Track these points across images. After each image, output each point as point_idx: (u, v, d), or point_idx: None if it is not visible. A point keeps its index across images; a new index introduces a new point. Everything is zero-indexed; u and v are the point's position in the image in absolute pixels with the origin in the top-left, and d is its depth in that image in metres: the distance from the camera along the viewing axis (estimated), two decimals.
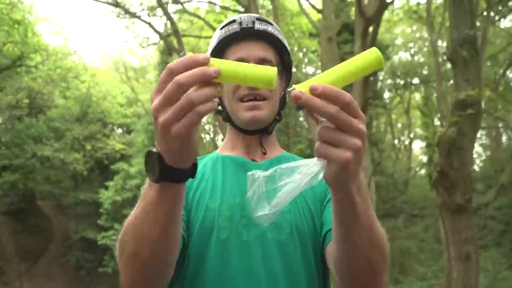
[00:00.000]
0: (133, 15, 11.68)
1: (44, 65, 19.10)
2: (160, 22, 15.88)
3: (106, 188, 18.45)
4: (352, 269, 0.90)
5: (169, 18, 11.15)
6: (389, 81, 22.56)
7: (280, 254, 1.09)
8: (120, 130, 23.88)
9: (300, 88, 0.72)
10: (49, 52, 19.36)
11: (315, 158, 0.73)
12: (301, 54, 20.21)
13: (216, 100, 0.84)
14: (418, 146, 35.31)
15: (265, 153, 1.26)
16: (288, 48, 1.28)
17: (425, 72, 20.17)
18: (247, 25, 1.21)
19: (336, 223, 0.85)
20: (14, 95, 19.10)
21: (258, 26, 1.21)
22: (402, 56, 25.02)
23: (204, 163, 1.25)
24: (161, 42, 14.08)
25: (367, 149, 10.23)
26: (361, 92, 8.60)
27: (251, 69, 0.74)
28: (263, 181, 0.74)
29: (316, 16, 13.56)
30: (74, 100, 21.61)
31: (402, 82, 20.38)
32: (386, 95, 24.31)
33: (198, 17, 13.01)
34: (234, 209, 1.12)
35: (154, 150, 0.79)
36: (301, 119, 18.11)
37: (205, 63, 0.70)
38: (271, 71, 0.74)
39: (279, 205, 0.72)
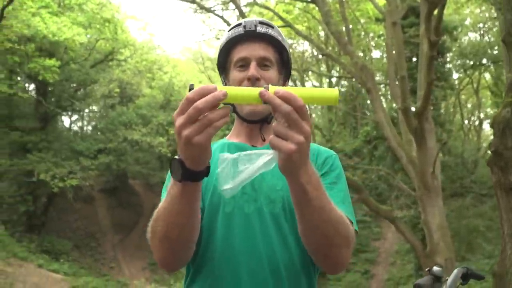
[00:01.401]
0: (207, 10, 11.95)
1: (132, 58, 20.06)
2: (233, 15, 16.02)
3: None
4: (312, 243, 1.10)
5: (239, 11, 11.32)
6: (458, 62, 21.42)
7: (274, 224, 1.22)
8: None
9: (271, 89, 0.88)
10: (136, 47, 20.27)
11: (270, 149, 0.89)
12: (368, 39, 19.64)
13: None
14: (488, 126, 33.17)
15: (264, 140, 1.36)
16: (287, 46, 1.38)
17: (495, 52, 18.88)
18: (250, 28, 1.31)
19: (294, 206, 1.03)
20: (107, 86, 20.20)
21: (260, 29, 1.31)
22: (471, 36, 23.61)
23: (214, 149, 1.33)
24: None
25: (433, 129, 9.86)
26: (425, 75, 8.32)
27: (243, 92, 0.92)
28: (230, 163, 0.91)
29: (381, 1, 13.13)
30: (159, 89, 22.43)
31: (471, 62, 19.22)
32: (455, 76, 23.13)
33: (268, 8, 13.04)
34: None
35: (177, 157, 0.96)
36: (368, 101, 17.71)
37: (214, 90, 0.87)
38: (254, 92, 0.90)
39: (239, 182, 0.90)
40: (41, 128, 18.37)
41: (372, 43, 21.80)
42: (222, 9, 12.29)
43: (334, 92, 0.92)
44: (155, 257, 1.13)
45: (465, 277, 1.78)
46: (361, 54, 21.72)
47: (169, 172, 1.19)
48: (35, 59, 14.69)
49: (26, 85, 19.74)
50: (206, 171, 0.98)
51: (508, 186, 4.10)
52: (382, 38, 18.14)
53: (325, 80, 23.69)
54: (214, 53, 30.22)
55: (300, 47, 25.16)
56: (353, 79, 15.12)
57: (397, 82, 10.26)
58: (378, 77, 23.59)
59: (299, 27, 16.57)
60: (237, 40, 1.33)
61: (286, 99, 0.87)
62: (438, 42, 7.65)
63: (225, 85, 1.38)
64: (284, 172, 0.94)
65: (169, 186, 1.03)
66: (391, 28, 10.13)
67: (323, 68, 23.71)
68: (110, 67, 20.75)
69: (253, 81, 1.28)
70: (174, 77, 22.14)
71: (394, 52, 10.56)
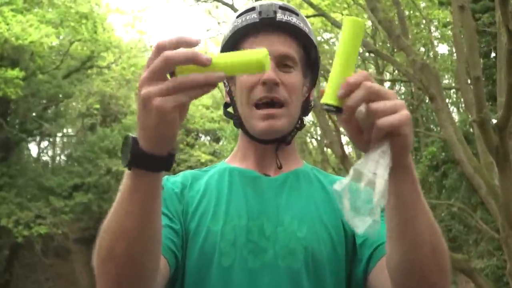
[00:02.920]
0: None
1: (117, 64, 20.45)
2: (248, 2, 16.25)
3: None
4: (418, 267, 0.96)
5: None
6: None
7: (291, 284, 1.16)
8: (206, 138, 24.67)
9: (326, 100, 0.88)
10: (122, 49, 20.72)
11: (374, 147, 0.86)
12: (430, 30, 19.63)
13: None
14: None
15: (280, 167, 1.32)
16: (316, 42, 1.34)
17: None
18: (267, 15, 1.26)
19: (397, 198, 0.93)
20: (85, 102, 20.64)
21: (281, 16, 1.26)
22: None
23: (209, 175, 1.33)
24: None
25: None
26: (506, 75, 8.31)
27: (239, 57, 0.88)
28: (347, 191, 0.84)
29: None
30: None
31: None
32: None
33: None
34: (238, 231, 1.19)
35: (131, 135, 0.89)
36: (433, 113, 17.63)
37: (196, 44, 0.83)
38: (261, 54, 0.86)
39: (378, 207, 0.83)
40: (1, 159, 18.81)
41: (437, 33, 21.77)
42: None
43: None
44: (101, 282, 0.97)
45: None
46: (422, 49, 21.73)
47: None
48: None
49: None
50: (167, 161, 0.89)
51: None
52: (449, 27, 18.13)
53: None
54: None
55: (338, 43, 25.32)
56: (411, 83, 15.11)
57: (471, 86, 10.24)
58: (446, 80, 23.51)
59: (337, 15, 16.74)
60: (248, 30, 1.29)
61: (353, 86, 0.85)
62: None
63: (229, 91, 1.36)
64: (399, 163, 0.89)
65: (124, 179, 0.92)
66: (458, 14, 10.15)
67: (372, 69, 23.77)
68: (88, 77, 21.25)
69: (270, 87, 1.22)
70: None
71: (464, 45, 10.56)
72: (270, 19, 1.26)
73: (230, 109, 1.42)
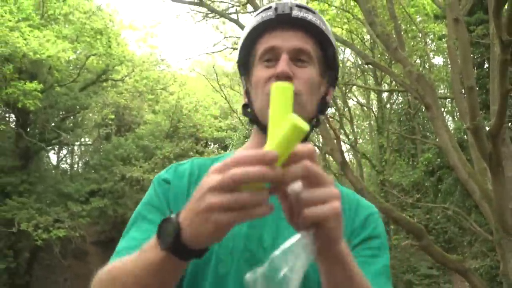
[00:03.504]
0: (220, 14, 12.17)
1: (131, 77, 20.55)
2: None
3: None
4: None
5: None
6: None
7: None
8: (214, 146, 24.69)
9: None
10: (135, 63, 20.79)
11: (299, 233, 0.80)
12: (425, 42, 19.55)
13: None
14: None
15: None
16: (333, 40, 1.30)
17: None
18: (283, 11, 1.21)
19: (329, 284, 0.94)
20: (100, 113, 20.70)
21: (297, 13, 1.21)
22: None
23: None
24: None
25: None
26: (498, 84, 8.21)
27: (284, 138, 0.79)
28: (262, 279, 0.77)
29: None
30: (164, 115, 22.80)
31: None
32: None
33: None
34: (237, 239, 1.13)
35: (173, 217, 0.83)
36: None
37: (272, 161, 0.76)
38: (292, 123, 0.79)
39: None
40: (22, 166, 18.88)
41: (432, 46, 21.71)
42: (237, 13, 12.50)
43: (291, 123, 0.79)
44: None
45: None
46: (418, 60, 21.66)
47: (140, 206, 1.20)
48: (14, 83, 15.22)
49: (4, 114, 20.43)
50: (203, 252, 0.86)
51: None
52: (443, 40, 18.06)
53: (374, 96, 23.63)
54: (232, 67, 30.70)
55: (340, 56, 25.32)
56: (408, 93, 15.02)
57: (465, 95, 10.15)
58: (441, 90, 23.41)
59: (337, 30, 16.70)
60: (265, 27, 1.24)
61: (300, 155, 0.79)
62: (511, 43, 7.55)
63: (246, 89, 1.31)
64: (329, 251, 0.87)
65: (146, 246, 0.90)
66: (453, 26, 10.06)
67: (371, 80, 23.69)
68: (103, 89, 21.31)
69: (284, 77, 1.15)
70: (182, 98, 22.40)
71: (458, 56, 10.47)
72: (286, 15, 1.21)
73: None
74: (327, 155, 13.38)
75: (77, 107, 20.13)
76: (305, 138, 1.24)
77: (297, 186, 0.78)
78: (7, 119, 20.52)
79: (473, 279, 9.26)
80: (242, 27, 12.34)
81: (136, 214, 1.21)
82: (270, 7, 1.24)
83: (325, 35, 1.28)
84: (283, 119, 0.81)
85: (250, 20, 1.31)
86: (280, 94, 0.88)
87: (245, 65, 1.32)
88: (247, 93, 1.32)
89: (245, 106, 1.32)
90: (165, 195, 1.21)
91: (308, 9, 1.26)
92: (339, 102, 24.50)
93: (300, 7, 1.24)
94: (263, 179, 0.74)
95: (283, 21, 1.22)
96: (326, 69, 1.30)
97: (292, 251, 0.77)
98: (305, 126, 0.78)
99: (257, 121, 1.26)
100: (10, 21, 14.12)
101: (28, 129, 18.97)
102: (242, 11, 12.76)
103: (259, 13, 1.27)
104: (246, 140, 18.40)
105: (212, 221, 0.75)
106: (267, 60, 1.22)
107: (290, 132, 0.79)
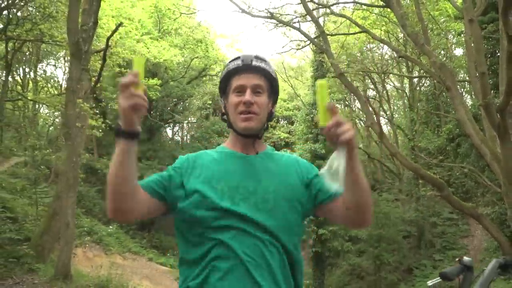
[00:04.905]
0: (286, 24, 12.05)
1: None
2: (312, 26, 16.02)
3: None
4: (362, 201, 1.34)
5: (315, 22, 11.30)
6: None
7: (269, 217, 1.34)
8: (284, 122, 24.73)
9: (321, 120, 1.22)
10: (226, 62, 21.03)
11: (338, 149, 1.21)
12: (447, 38, 18.49)
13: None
14: None
15: (257, 153, 1.49)
16: (275, 76, 1.52)
17: None
18: (247, 62, 1.45)
19: (350, 172, 1.26)
20: (201, 99, 21.19)
21: (255, 63, 1.45)
22: None
23: (214, 153, 1.51)
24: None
25: None
26: (506, 70, 7.72)
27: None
28: (327, 171, 1.21)
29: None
30: None
31: None
32: None
33: (344, 16, 12.86)
34: (233, 188, 1.37)
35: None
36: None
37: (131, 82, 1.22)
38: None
39: (343, 177, 1.20)
40: (148, 139, 19.76)
41: (454, 40, 20.53)
42: (299, 22, 12.33)
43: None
44: (108, 208, 1.30)
45: (504, 267, 1.65)
46: (442, 52, 20.55)
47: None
48: (141, 80, 15.86)
49: None
50: (134, 134, 1.24)
51: None
52: (462, 35, 17.04)
53: (406, 81, 22.72)
54: (296, 63, 30.40)
55: (380, 50, 24.41)
56: (433, 78, 14.37)
57: (478, 79, 9.61)
58: (461, 75, 22.13)
59: (377, 31, 16.11)
60: (236, 71, 1.46)
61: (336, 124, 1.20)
62: None
63: (224, 106, 1.53)
64: (352, 155, 1.23)
65: (116, 146, 1.26)
66: (468, 26, 9.53)
67: (404, 69, 22.76)
68: (203, 82, 21.76)
69: (248, 105, 1.42)
70: None
71: (473, 49, 9.91)
72: (248, 65, 1.46)
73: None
74: (369, 128, 13.11)
75: (185, 95, 20.67)
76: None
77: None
78: None
79: (484, 222, 8.92)
80: (303, 33, 12.22)
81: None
82: (239, 57, 1.48)
83: (271, 75, 1.49)
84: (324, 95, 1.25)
85: (226, 64, 1.52)
86: (322, 87, 1.25)
87: (223, 91, 1.53)
88: (225, 108, 1.53)
89: (222, 115, 1.56)
90: (172, 169, 1.46)
91: (262, 59, 1.49)
92: (379, 86, 23.81)
93: (257, 58, 1.48)
94: (130, 84, 1.21)
95: (247, 67, 1.45)
96: (271, 94, 1.52)
97: (337, 158, 1.20)
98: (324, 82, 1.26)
99: (231, 127, 1.49)
100: (136, 35, 14.64)
101: (151, 113, 19.68)
102: (302, 21, 12.59)
103: (232, 61, 1.49)
104: (307, 117, 18.31)
105: (123, 111, 1.20)
106: (238, 91, 1.45)
107: (320, 90, 1.25)
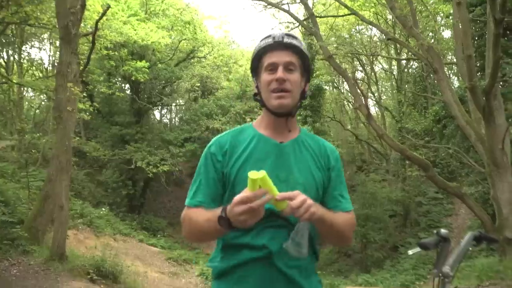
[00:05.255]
0: (275, 6, 12.06)
1: (211, 55, 20.71)
2: (301, 8, 15.96)
3: None
4: (330, 241, 1.53)
5: (305, 4, 11.32)
6: None
7: None
8: None
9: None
10: (214, 44, 20.88)
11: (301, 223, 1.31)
12: (435, 20, 18.58)
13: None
14: None
15: (290, 131, 1.54)
16: (308, 54, 1.53)
17: None
18: (278, 39, 1.46)
19: (317, 228, 1.43)
20: (190, 82, 21.06)
21: (286, 40, 1.46)
22: None
23: (249, 135, 1.54)
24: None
25: (502, 106, 9.30)
26: (492, 53, 7.89)
27: (277, 204, 1.28)
28: (291, 244, 1.31)
29: None
30: (235, 82, 22.89)
31: None
32: None
33: None
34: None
35: (224, 215, 1.28)
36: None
37: (262, 195, 1.23)
38: (283, 205, 1.27)
39: (305, 247, 1.31)
40: (136, 121, 19.68)
41: (442, 22, 20.64)
42: (288, 4, 12.33)
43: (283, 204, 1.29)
44: (183, 233, 1.51)
45: (479, 239, 1.81)
46: (430, 34, 20.67)
47: (199, 167, 1.56)
48: (128, 62, 15.71)
49: (122, 85, 21.17)
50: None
51: None
52: (450, 17, 17.16)
53: (394, 63, 22.87)
54: None
55: (368, 32, 24.44)
56: (421, 61, 14.53)
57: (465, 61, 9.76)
58: (450, 56, 22.31)
59: (366, 13, 16.15)
60: (267, 49, 1.48)
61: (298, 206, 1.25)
62: (503, 20, 7.20)
63: (257, 87, 1.54)
64: (314, 222, 1.36)
65: (212, 218, 1.34)
66: (456, 8, 9.65)
67: (393, 51, 22.88)
68: (191, 64, 21.61)
69: (280, 82, 1.44)
70: (248, 69, 22.45)
71: (460, 31, 10.04)
72: (280, 42, 1.46)
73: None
74: (357, 110, 13.29)
75: (173, 78, 20.52)
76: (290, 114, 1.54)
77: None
78: (123, 88, 21.22)
79: (468, 201, 9.19)
80: (292, 15, 12.24)
81: (199, 178, 1.54)
82: (270, 36, 1.49)
83: (303, 52, 1.50)
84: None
85: (258, 42, 1.53)
86: (263, 181, 1.25)
87: (255, 70, 1.54)
88: (257, 87, 1.54)
89: (255, 95, 1.56)
90: (213, 164, 1.51)
91: (293, 37, 1.50)
92: (368, 68, 23.94)
93: (288, 35, 1.49)
94: (259, 207, 1.22)
95: (278, 45, 1.46)
96: (304, 71, 1.52)
97: (300, 230, 1.31)
98: (254, 176, 1.22)
99: (265, 105, 1.52)
100: (123, 16, 14.43)
101: (139, 95, 19.53)
102: (291, 2, 12.60)
103: (263, 39, 1.51)
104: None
105: (241, 224, 1.25)
106: (270, 69, 1.46)
107: (259, 183, 1.24)
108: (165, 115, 30.05)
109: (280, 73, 1.43)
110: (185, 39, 18.22)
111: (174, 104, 26.11)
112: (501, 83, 11.56)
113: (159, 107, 25.36)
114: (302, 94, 1.53)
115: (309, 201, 1.26)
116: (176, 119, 28.88)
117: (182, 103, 26.41)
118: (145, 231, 16.35)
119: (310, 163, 1.49)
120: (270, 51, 1.47)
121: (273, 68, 1.45)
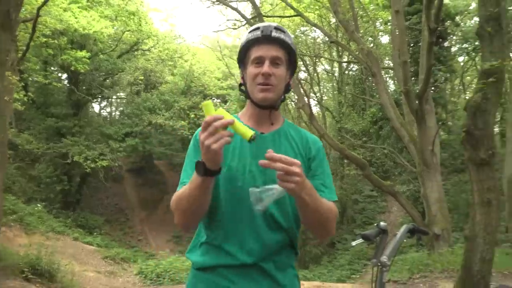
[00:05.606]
0: (222, 2, 12.06)
1: (156, 48, 20.26)
2: (248, 6, 16.04)
3: None
4: (311, 227, 1.47)
5: (252, 3, 11.41)
6: (463, 46, 21.07)
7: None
8: (217, 100, 24.70)
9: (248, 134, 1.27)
10: (159, 37, 20.44)
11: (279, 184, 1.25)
12: (375, 26, 19.37)
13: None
14: None
15: (272, 124, 1.55)
16: (295, 49, 1.53)
17: None
18: (266, 33, 1.45)
19: (298, 209, 1.39)
20: (133, 74, 20.50)
21: (274, 34, 1.46)
22: (477, 21, 23.20)
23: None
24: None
25: (433, 110, 9.92)
26: (426, 60, 8.39)
27: (241, 128, 1.27)
28: (258, 192, 1.26)
29: None
30: (180, 76, 22.60)
31: (472, 46, 18.99)
32: (461, 59, 22.77)
33: None
34: (247, 167, 1.46)
35: (200, 160, 1.26)
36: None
37: (224, 121, 1.21)
38: (248, 133, 1.26)
39: (265, 205, 1.26)
40: (74, 114, 18.86)
41: (382, 28, 21.61)
42: (237, 1, 12.36)
43: (249, 132, 1.27)
44: (176, 221, 1.42)
45: (412, 232, 2.00)
46: (370, 39, 21.55)
47: (187, 154, 1.52)
48: (67, 51, 15.01)
49: (60, 75, 20.20)
50: (219, 171, 1.28)
51: (479, 161, 4.36)
52: (389, 24, 17.99)
53: (336, 64, 23.61)
54: (231, 42, 30.28)
55: (313, 34, 25.03)
56: (361, 64, 15.12)
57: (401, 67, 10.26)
58: (387, 61, 23.39)
59: (310, 15, 16.54)
60: (255, 41, 1.47)
61: (279, 160, 1.22)
62: (437, 29, 7.68)
63: (242, 76, 1.55)
64: (291, 195, 1.29)
65: (193, 177, 1.31)
66: (395, 16, 10.13)
67: (335, 53, 23.61)
68: (135, 57, 21.05)
69: (266, 76, 1.44)
70: (194, 64, 22.26)
71: (397, 38, 10.55)
72: (268, 36, 1.45)
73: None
74: (300, 109, 13.59)
75: (115, 70, 19.88)
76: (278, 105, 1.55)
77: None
78: (61, 78, 20.27)
79: (400, 199, 9.72)
80: (240, 13, 12.28)
81: (185, 163, 1.53)
82: (258, 28, 1.48)
83: (290, 47, 1.50)
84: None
85: (245, 34, 1.53)
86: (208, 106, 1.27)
87: (242, 62, 1.54)
88: (243, 79, 1.55)
89: (240, 85, 1.57)
90: (198, 149, 1.50)
91: (282, 30, 1.49)
92: (311, 69, 24.55)
93: (276, 29, 1.47)
94: (220, 126, 1.20)
95: (266, 38, 1.46)
96: (289, 66, 1.54)
97: (271, 190, 1.25)
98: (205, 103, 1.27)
99: (249, 97, 1.53)
100: (63, 3, 13.78)
101: (78, 86, 18.71)
102: (239, 0, 12.65)
103: (251, 31, 1.50)
104: (241, 96, 18.46)
105: (210, 150, 1.20)
106: (257, 63, 1.46)
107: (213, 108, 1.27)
108: (104, 108, 29.10)
109: (266, 67, 1.44)
110: (129, 30, 17.69)
111: (115, 97, 25.31)
112: (432, 88, 12.30)
113: (99, 100, 24.48)
114: (286, 87, 1.54)
115: (300, 177, 1.22)
116: (117, 113, 28.05)
117: (123, 96, 25.66)
118: (81, 229, 15.74)
119: (289, 153, 1.49)
120: (258, 44, 1.47)
121: (259, 61, 1.46)
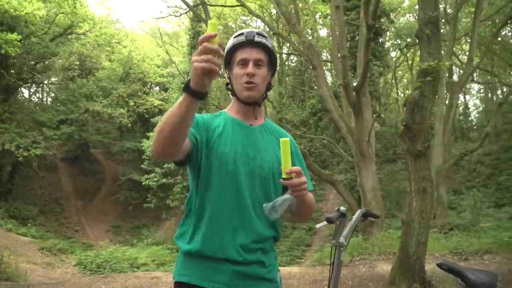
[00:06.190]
0: None
1: (92, 32, 19.42)
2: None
3: (147, 138, 18.48)
4: (300, 218, 1.76)
5: None
6: (396, 41, 22.24)
7: (261, 183, 1.63)
8: (157, 88, 24.21)
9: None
10: (95, 21, 19.60)
11: (289, 194, 1.48)
12: (315, 19, 19.86)
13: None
14: None
15: (256, 118, 1.75)
16: (274, 50, 1.73)
17: None
18: (250, 38, 1.65)
19: (297, 205, 1.62)
20: (67, 59, 19.52)
21: (257, 38, 1.65)
22: (409, 17, 24.52)
23: (222, 119, 1.72)
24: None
25: (369, 103, 10.43)
26: (363, 55, 8.77)
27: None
28: (270, 206, 1.45)
29: None
30: (118, 63, 21.87)
31: (404, 43, 20.11)
32: (393, 54, 24.02)
33: None
34: (238, 153, 1.63)
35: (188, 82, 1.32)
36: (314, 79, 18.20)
37: (207, 34, 1.28)
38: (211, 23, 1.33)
39: (280, 214, 1.46)
40: (3, 100, 17.67)
41: (320, 21, 22.17)
42: None
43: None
44: (153, 146, 1.45)
45: (365, 215, 2.25)
46: (309, 31, 22.06)
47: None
48: None
49: None
50: (202, 94, 1.31)
51: (415, 152, 4.76)
52: (328, 18, 18.51)
53: (277, 56, 23.92)
54: (171, 28, 29.69)
55: (254, 24, 25.17)
56: (301, 56, 15.46)
57: (340, 61, 10.62)
58: (325, 53, 24.10)
59: (252, 5, 16.63)
60: (239, 45, 1.66)
61: (294, 171, 1.45)
62: (374, 26, 8.07)
63: (229, 78, 1.73)
64: (297, 198, 1.52)
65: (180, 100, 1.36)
66: (335, 11, 10.44)
67: (275, 44, 23.89)
68: (69, 41, 20.02)
69: (250, 76, 1.63)
70: (133, 50, 21.62)
71: (337, 33, 10.90)
72: (251, 40, 1.65)
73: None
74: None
75: (48, 54, 18.76)
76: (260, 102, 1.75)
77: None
78: None
79: (338, 187, 10.18)
80: (183, 0, 12.08)
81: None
82: (243, 33, 1.67)
83: (271, 50, 1.71)
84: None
85: (231, 39, 1.71)
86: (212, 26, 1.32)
87: (228, 63, 1.72)
88: (229, 78, 1.73)
89: (227, 84, 1.75)
90: (200, 122, 1.65)
91: (263, 36, 1.69)
92: None
93: (258, 34, 1.68)
94: (209, 50, 1.25)
95: (249, 43, 1.65)
96: (270, 67, 1.73)
97: (285, 200, 1.46)
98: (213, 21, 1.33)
99: (235, 95, 1.72)
100: None
101: (8, 70, 17.49)
102: None
103: (236, 36, 1.69)
104: (182, 84, 18.15)
105: (196, 68, 1.25)
106: (241, 64, 1.65)
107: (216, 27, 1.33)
108: (34, 94, 27.48)
109: (250, 68, 1.63)
110: (62, 12, 16.80)
111: (47, 82, 23.95)
112: (369, 82, 12.88)
113: (30, 85, 23.09)
114: (268, 86, 1.73)
115: (306, 183, 1.48)
116: (49, 99, 26.61)
117: (56, 82, 24.36)
118: (14, 220, 14.94)
119: (275, 145, 1.68)
120: (242, 48, 1.66)
121: (244, 63, 1.65)
